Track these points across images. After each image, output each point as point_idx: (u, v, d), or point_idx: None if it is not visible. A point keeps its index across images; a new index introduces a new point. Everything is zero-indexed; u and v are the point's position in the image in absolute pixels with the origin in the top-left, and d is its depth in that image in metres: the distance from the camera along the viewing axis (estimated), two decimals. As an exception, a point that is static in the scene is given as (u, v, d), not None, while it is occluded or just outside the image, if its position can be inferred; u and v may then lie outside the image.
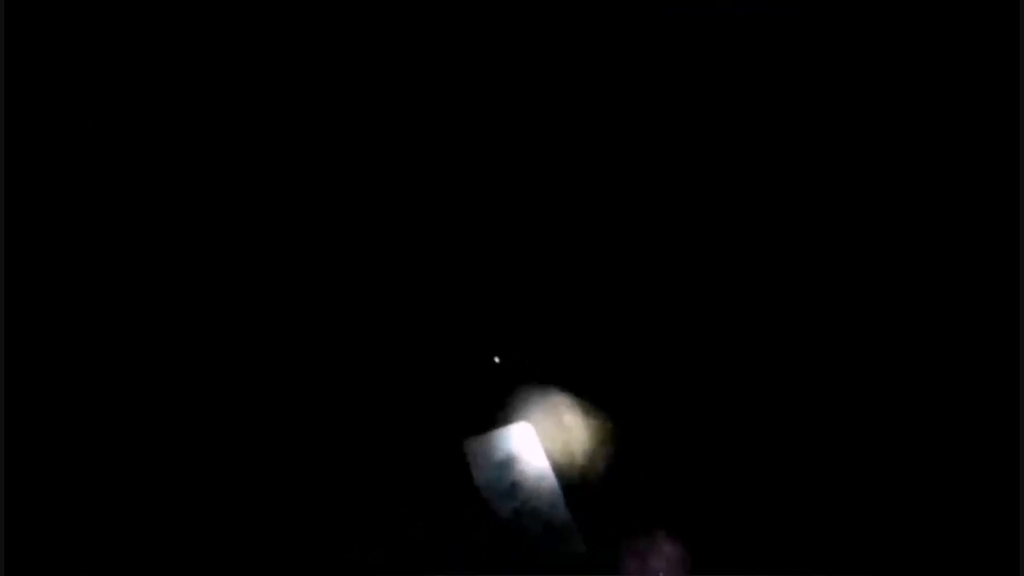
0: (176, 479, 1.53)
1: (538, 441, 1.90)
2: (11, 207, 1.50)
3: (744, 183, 1.61)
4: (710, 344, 1.55)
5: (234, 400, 1.60)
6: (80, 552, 1.39)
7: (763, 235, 1.59)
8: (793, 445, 1.50)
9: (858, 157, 1.57)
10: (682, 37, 1.42)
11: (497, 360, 1.62)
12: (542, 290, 1.63)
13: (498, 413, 1.68)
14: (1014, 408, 1.20)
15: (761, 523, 1.48)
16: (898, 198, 1.53)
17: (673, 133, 1.58)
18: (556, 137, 1.63)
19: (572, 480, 1.73)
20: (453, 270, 1.66)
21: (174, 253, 1.63)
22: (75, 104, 1.61)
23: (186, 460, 1.55)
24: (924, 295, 1.41)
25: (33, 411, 1.50)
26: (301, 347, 1.65)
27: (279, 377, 1.63)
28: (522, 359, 1.58)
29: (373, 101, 1.62)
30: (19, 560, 1.33)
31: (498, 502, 1.91)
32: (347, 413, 1.61)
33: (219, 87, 1.66)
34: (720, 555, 1.51)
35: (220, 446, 1.58)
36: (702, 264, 1.57)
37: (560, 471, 1.83)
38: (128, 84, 1.64)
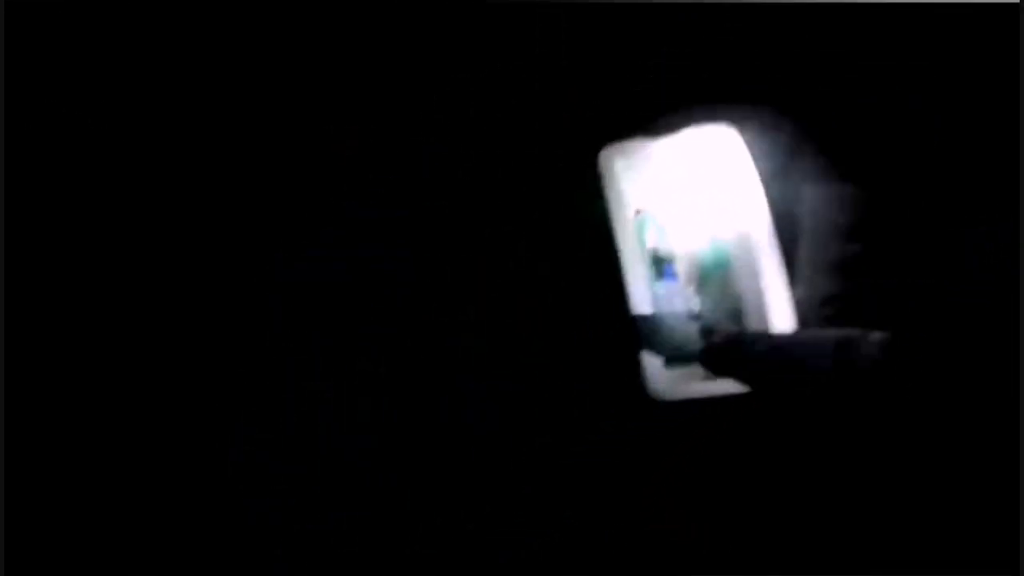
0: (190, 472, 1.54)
1: None
2: (11, 207, 1.49)
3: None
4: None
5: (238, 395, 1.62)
6: (79, 552, 1.42)
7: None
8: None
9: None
10: None
11: None
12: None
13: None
14: (1014, 409, 1.18)
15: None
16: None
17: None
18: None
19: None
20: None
21: (173, 253, 1.62)
22: (75, 104, 1.60)
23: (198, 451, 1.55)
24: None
25: (33, 411, 1.51)
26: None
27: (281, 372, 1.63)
28: None
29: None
30: (19, 560, 1.35)
31: None
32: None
33: (219, 88, 1.65)
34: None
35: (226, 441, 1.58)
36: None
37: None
38: (127, 84, 1.63)
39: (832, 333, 1.18)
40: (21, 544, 1.37)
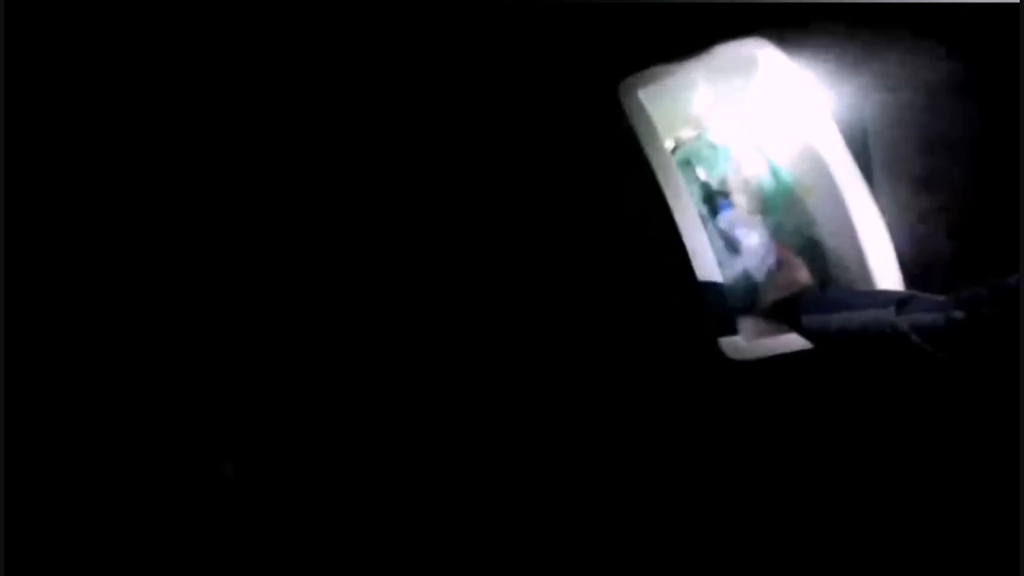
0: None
1: None
2: (11, 207, 1.41)
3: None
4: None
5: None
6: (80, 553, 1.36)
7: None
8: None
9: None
10: None
11: None
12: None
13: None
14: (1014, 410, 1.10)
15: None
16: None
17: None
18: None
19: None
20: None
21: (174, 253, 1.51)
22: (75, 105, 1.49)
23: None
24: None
25: (33, 411, 1.42)
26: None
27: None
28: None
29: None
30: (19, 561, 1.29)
31: None
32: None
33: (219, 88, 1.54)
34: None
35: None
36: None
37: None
38: (127, 83, 1.52)
39: (893, 292, 1.09)
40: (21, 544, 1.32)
